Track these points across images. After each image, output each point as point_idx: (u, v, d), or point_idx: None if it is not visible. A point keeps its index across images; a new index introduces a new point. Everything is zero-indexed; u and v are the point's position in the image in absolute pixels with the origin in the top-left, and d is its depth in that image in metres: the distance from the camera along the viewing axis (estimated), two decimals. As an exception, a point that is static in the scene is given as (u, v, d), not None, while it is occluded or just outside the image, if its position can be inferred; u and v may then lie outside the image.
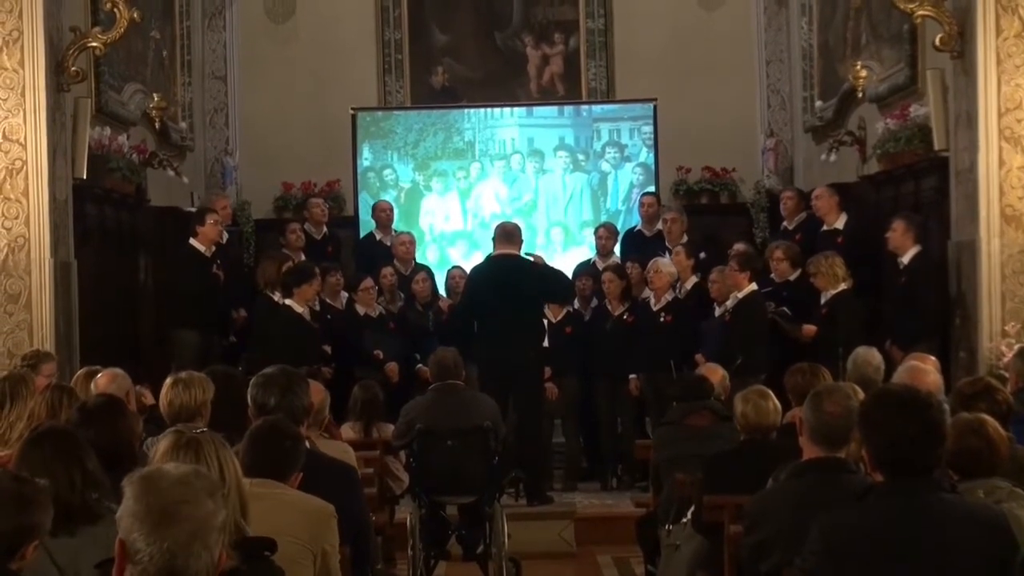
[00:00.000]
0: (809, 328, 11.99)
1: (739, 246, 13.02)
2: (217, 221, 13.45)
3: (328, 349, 12.78)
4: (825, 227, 13.20)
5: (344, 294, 13.71)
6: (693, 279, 13.16)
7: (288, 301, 12.33)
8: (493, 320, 12.10)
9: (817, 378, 7.72)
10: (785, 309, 12.36)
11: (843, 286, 11.86)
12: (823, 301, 11.94)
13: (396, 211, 15.56)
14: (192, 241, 13.27)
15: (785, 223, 14.20)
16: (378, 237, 15.00)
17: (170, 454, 4.42)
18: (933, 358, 8.71)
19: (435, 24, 17.37)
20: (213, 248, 13.33)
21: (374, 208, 15.25)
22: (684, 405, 8.92)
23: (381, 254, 14.57)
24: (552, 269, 12.66)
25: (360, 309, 13.41)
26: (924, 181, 12.37)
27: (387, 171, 16.07)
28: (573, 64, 17.34)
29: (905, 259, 11.64)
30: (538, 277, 12.36)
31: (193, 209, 14.97)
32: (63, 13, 11.72)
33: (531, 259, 12.59)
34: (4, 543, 4.15)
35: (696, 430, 8.59)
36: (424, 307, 13.79)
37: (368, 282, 13.48)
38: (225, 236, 14.20)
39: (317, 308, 13.20)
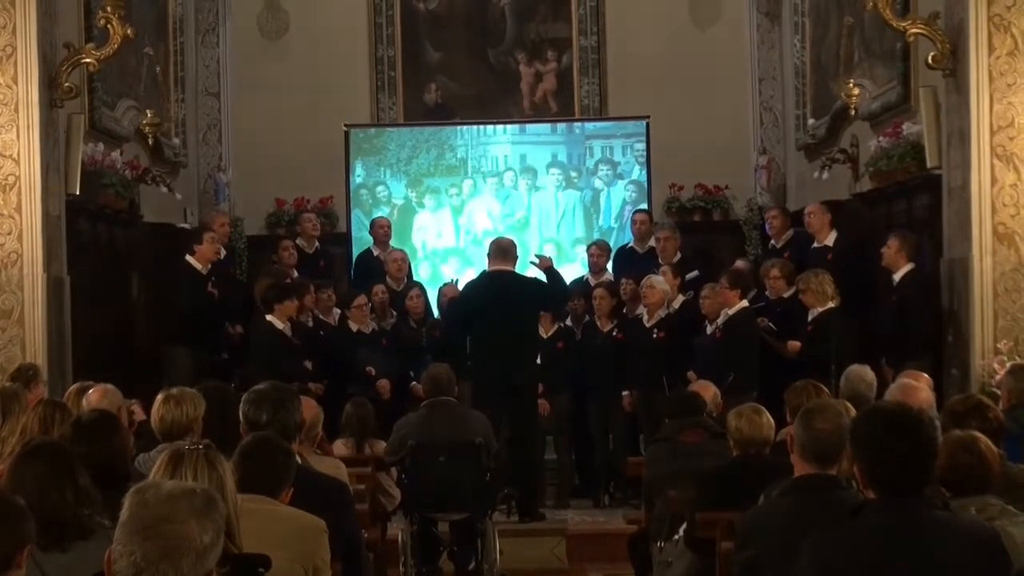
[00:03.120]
0: (794, 344, 12.00)
1: (738, 263, 13.03)
2: (214, 239, 13.46)
3: (309, 365, 12.74)
4: (816, 244, 13.22)
5: (336, 311, 13.71)
6: (680, 298, 13.15)
7: (270, 317, 12.34)
8: (489, 336, 12.10)
9: (821, 397, 7.70)
10: (771, 325, 12.37)
11: (831, 304, 11.86)
12: (810, 318, 11.94)
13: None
14: (188, 259, 13.27)
15: (773, 242, 14.23)
16: (375, 253, 15.01)
17: (163, 469, 4.44)
18: (926, 375, 8.73)
19: (428, 41, 17.40)
20: (209, 266, 13.33)
21: (372, 224, 15.26)
22: (677, 422, 8.92)
23: (379, 271, 14.58)
24: (549, 279, 12.66)
25: (353, 326, 13.38)
26: (916, 199, 12.38)
27: (380, 188, 16.07)
28: (566, 81, 17.37)
29: (897, 276, 11.66)
30: (533, 288, 12.41)
31: (187, 225, 14.99)
32: (57, 29, 11.72)
33: (531, 263, 12.69)
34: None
35: (689, 447, 8.59)
36: (418, 324, 13.78)
37: (361, 299, 13.45)
38: (223, 253, 14.23)
39: (310, 324, 13.21)
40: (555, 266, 12.98)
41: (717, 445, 8.26)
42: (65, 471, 4.99)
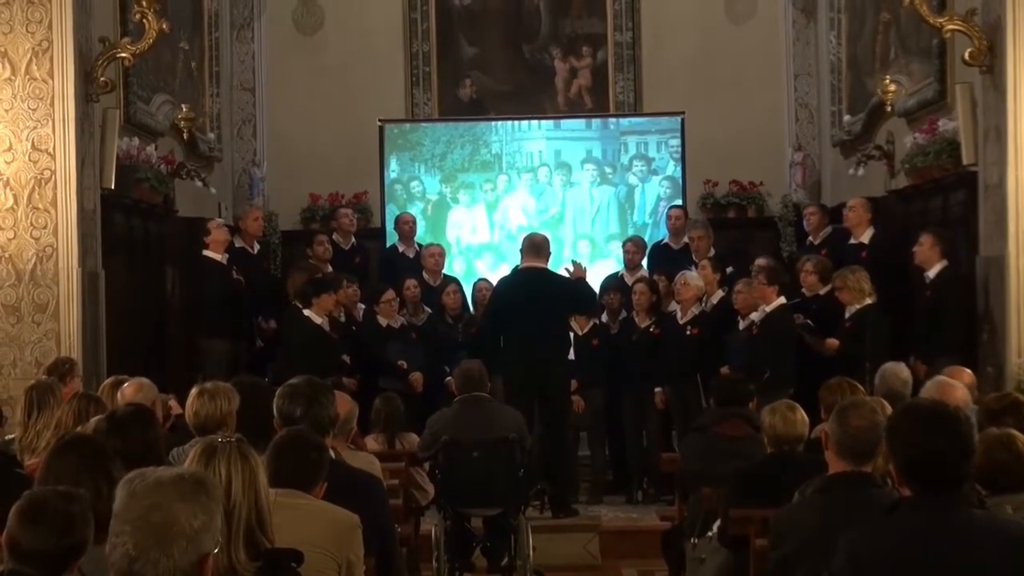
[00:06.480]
0: (832, 342, 11.94)
1: (761, 260, 12.99)
2: (220, 225, 13.62)
3: (347, 359, 12.78)
4: (852, 240, 13.17)
5: (361, 305, 13.73)
6: (719, 293, 13.11)
7: (308, 312, 12.37)
8: (520, 332, 12.10)
9: (856, 395, 7.67)
10: (809, 323, 12.33)
11: (868, 301, 11.80)
12: (847, 315, 11.89)
13: (423, 223, 15.63)
14: (205, 252, 13.40)
15: (810, 238, 14.18)
16: (401, 249, 15.06)
17: (195, 462, 4.45)
18: (968, 371, 8.68)
19: (463, 37, 17.38)
20: (227, 255, 13.41)
21: (396, 220, 15.31)
22: (718, 411, 8.91)
23: (403, 266, 14.61)
24: (579, 282, 12.62)
25: (382, 320, 13.38)
26: (952, 196, 12.33)
27: (414, 183, 16.09)
28: (601, 77, 17.32)
29: (931, 273, 11.60)
30: (564, 289, 12.37)
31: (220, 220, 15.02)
32: (92, 24, 11.75)
33: (566, 271, 12.65)
34: (55, 563, 4.19)
35: (726, 440, 8.58)
36: (454, 320, 13.79)
37: (390, 294, 13.45)
38: (256, 247, 14.30)
39: (342, 319, 13.23)
40: (588, 271, 12.94)
41: (756, 439, 8.22)
42: (99, 464, 5.00)
